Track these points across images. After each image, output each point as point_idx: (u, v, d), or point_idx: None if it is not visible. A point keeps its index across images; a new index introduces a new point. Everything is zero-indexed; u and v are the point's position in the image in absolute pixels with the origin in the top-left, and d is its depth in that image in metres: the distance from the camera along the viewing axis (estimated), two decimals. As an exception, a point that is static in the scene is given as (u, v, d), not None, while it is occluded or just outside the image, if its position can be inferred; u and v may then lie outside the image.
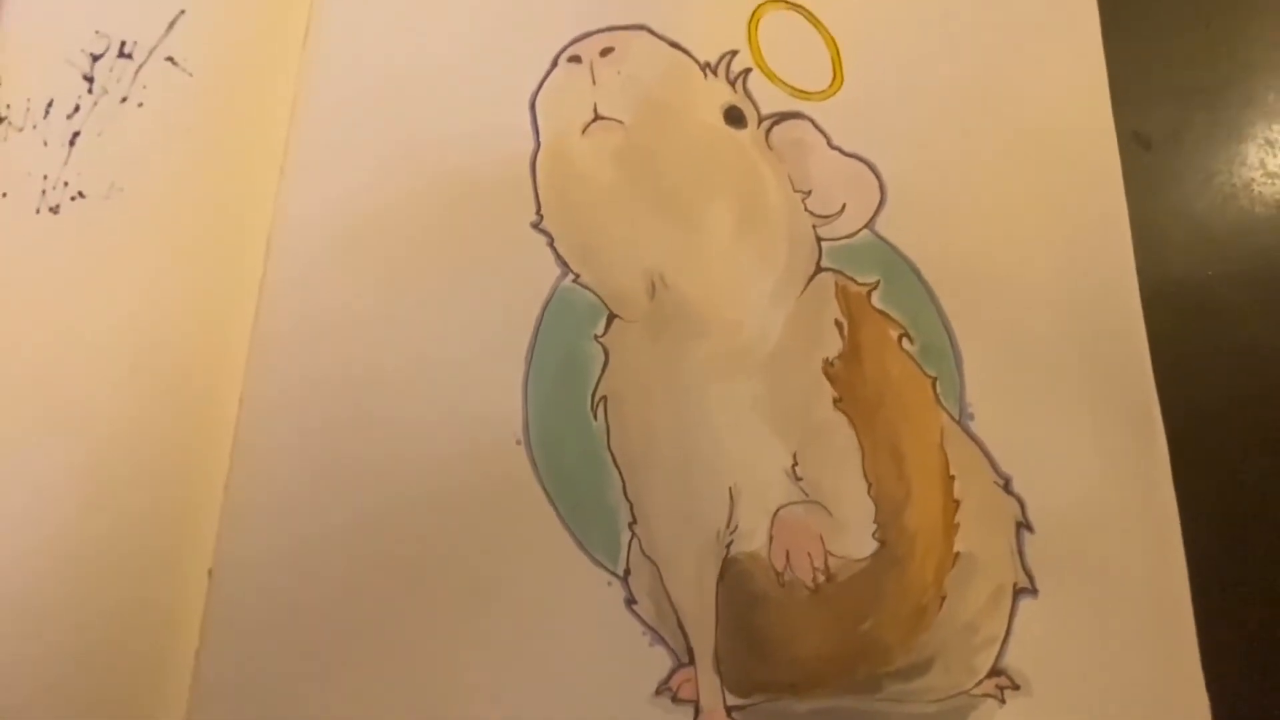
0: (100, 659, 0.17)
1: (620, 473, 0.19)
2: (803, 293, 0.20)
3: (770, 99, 0.22)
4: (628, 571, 0.18)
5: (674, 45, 0.22)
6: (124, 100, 0.20)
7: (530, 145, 0.21)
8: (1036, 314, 0.20)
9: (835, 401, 0.19)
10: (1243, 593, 0.20)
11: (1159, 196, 0.25)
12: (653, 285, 0.20)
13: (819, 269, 0.20)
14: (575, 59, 0.21)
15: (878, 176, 0.21)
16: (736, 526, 0.18)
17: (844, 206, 0.21)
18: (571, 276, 0.20)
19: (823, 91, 0.22)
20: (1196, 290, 0.24)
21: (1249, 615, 0.20)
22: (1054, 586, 0.18)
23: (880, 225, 0.21)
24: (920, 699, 0.17)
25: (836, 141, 0.21)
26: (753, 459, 0.19)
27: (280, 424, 0.19)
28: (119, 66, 0.20)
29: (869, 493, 0.19)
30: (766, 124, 0.21)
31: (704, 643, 0.18)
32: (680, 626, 0.18)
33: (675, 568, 0.18)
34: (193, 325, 0.19)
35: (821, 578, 0.18)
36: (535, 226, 0.20)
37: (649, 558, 0.18)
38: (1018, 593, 0.18)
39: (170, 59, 0.20)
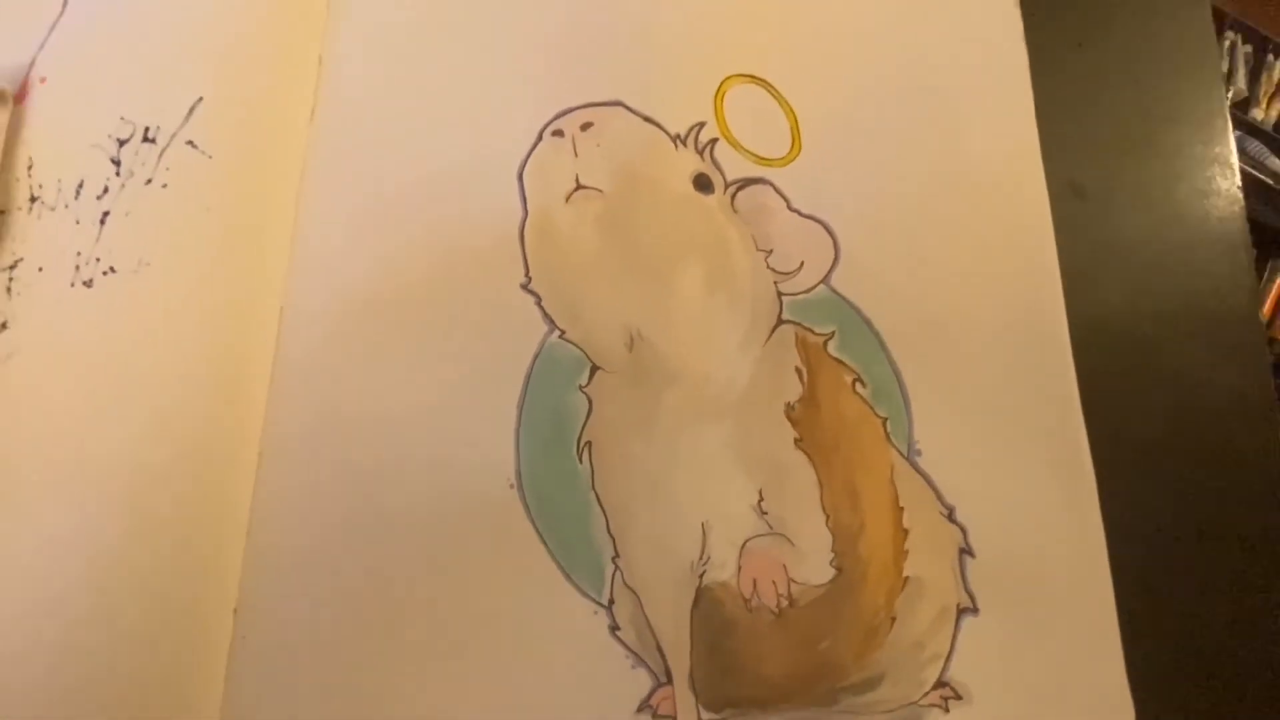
0: (132, 693, 0.19)
1: (604, 511, 0.21)
2: (766, 343, 0.22)
3: (735, 166, 0.24)
4: (612, 601, 0.20)
5: (647, 119, 0.24)
6: (149, 182, 0.22)
7: (519, 213, 0.23)
8: (976, 359, 0.22)
9: (796, 442, 0.21)
10: (1165, 607, 0.23)
11: (1092, 241, 0.27)
12: (631, 339, 0.22)
13: (780, 321, 0.23)
14: (558, 133, 0.24)
15: (832, 236, 0.23)
16: (709, 558, 0.20)
17: (802, 264, 0.23)
18: (558, 332, 0.22)
19: (782, 158, 0.24)
20: (1127, 327, 0.26)
21: (1171, 627, 0.23)
22: (993, 606, 0.21)
23: (835, 281, 0.23)
24: (873, 710, 0.19)
25: (795, 204, 0.24)
26: (723, 496, 0.21)
27: (296, 473, 0.21)
28: (143, 150, 0.22)
29: (827, 524, 0.21)
30: (732, 189, 0.24)
31: (680, 664, 0.20)
32: (659, 650, 0.20)
33: (654, 597, 0.20)
34: (215, 384, 0.21)
35: (785, 603, 0.20)
36: (524, 288, 0.22)
37: (630, 588, 0.20)
38: (961, 612, 0.21)
39: (190, 143, 0.22)
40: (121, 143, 0.22)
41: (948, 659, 0.20)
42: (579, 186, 0.23)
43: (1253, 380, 0.26)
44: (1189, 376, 0.26)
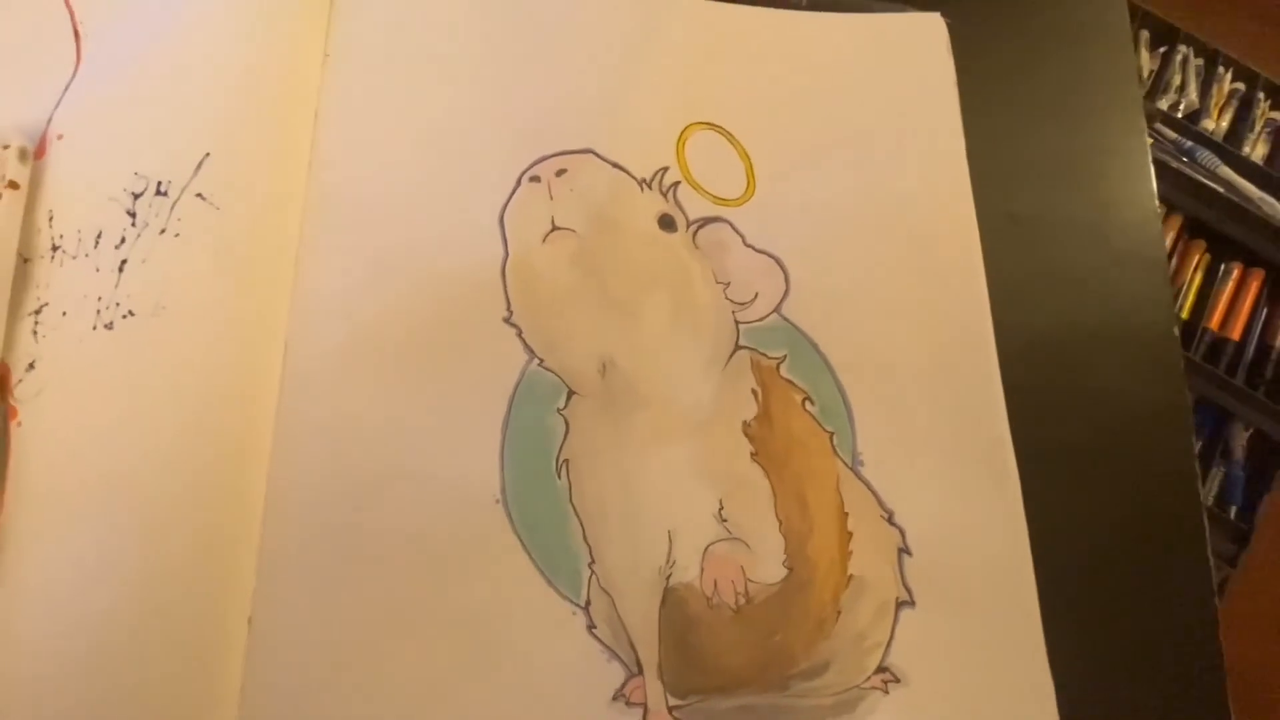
0: (156, 696, 0.21)
1: (580, 522, 0.23)
2: (725, 367, 0.25)
3: (696, 206, 0.27)
4: (588, 602, 0.22)
5: (616, 165, 0.26)
6: (162, 231, 0.24)
7: (501, 253, 0.25)
8: (913, 378, 0.25)
9: (752, 455, 0.24)
10: (1084, 599, 0.25)
11: (1024, 264, 0.30)
12: (604, 366, 0.24)
13: (737, 347, 0.25)
14: (535, 179, 0.26)
15: (784, 270, 0.26)
16: (674, 562, 0.23)
17: (757, 295, 0.25)
18: (538, 361, 0.24)
19: (738, 199, 0.27)
20: (1053, 343, 0.29)
21: (1089, 616, 0.25)
22: (928, 599, 0.23)
23: (786, 309, 0.26)
24: (820, 694, 0.22)
25: (750, 241, 0.26)
26: (687, 506, 0.23)
27: (302, 493, 0.23)
28: (157, 203, 0.24)
29: (779, 529, 0.23)
30: (693, 228, 0.26)
31: (650, 657, 0.22)
32: (631, 644, 0.22)
33: (626, 597, 0.22)
34: (227, 413, 0.23)
35: (742, 600, 0.22)
36: (506, 321, 0.25)
37: (605, 590, 0.22)
38: (899, 605, 0.23)
39: (200, 195, 0.24)
40: (136, 196, 0.24)
41: (887, 647, 0.22)
42: (555, 228, 0.25)
43: (1168, 390, 0.29)
44: (1109, 387, 0.29)
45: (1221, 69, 0.82)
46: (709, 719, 0.21)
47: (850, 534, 0.23)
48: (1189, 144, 0.76)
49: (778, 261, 0.26)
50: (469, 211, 0.25)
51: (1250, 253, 0.76)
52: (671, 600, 0.22)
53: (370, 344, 0.24)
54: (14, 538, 0.21)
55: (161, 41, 0.26)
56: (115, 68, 0.26)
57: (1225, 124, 0.81)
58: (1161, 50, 0.83)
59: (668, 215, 0.26)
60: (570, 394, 0.24)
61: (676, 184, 0.26)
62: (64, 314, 0.23)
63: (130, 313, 0.23)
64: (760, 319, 0.25)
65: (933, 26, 0.29)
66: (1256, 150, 0.80)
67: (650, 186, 0.26)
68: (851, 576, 0.23)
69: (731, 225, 0.26)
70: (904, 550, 0.23)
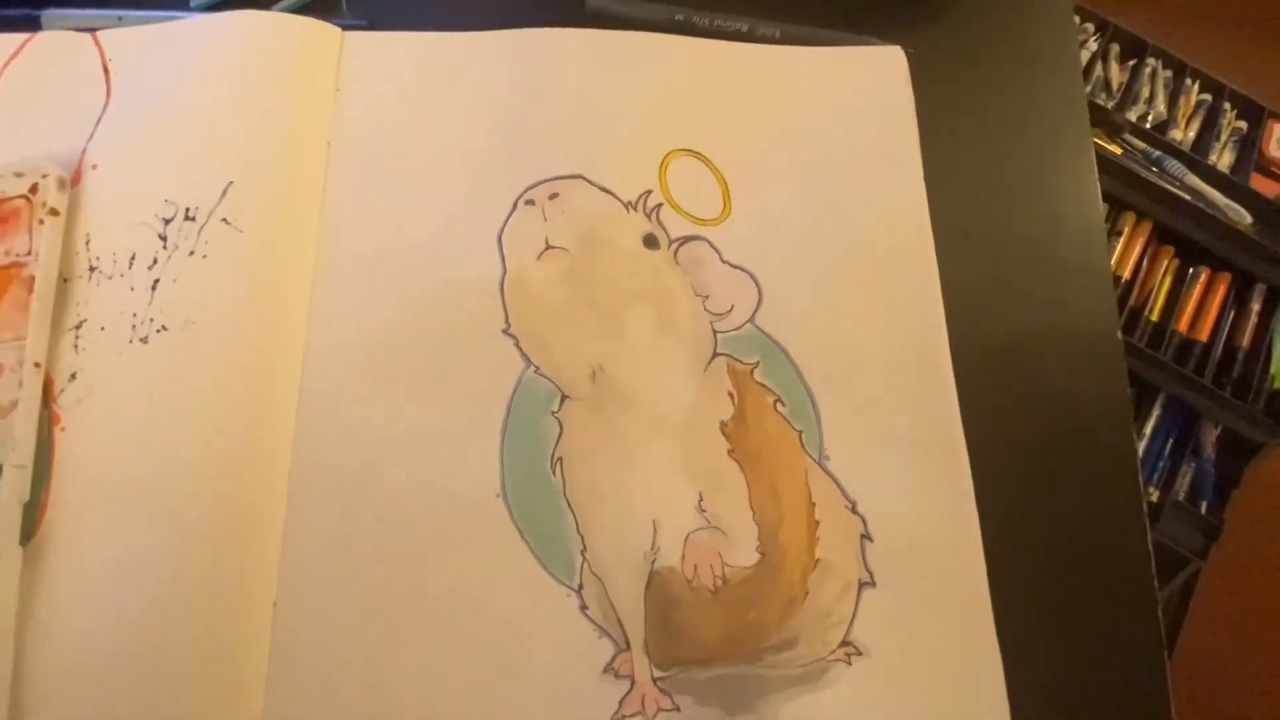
0: (189, 676, 0.23)
1: (574, 514, 0.25)
2: (704, 372, 0.27)
3: (677, 226, 0.29)
4: (581, 585, 0.25)
5: (604, 189, 0.29)
6: (191, 253, 0.26)
7: (499, 270, 0.28)
8: (874, 381, 0.27)
9: (729, 452, 0.26)
10: (1030, 581, 0.27)
11: (978, 276, 0.32)
12: (594, 373, 0.27)
13: (715, 354, 0.27)
14: (530, 202, 0.28)
15: (757, 284, 0.28)
16: (658, 548, 0.25)
17: (732, 307, 0.28)
18: (533, 368, 0.27)
19: (716, 219, 0.29)
20: (1005, 348, 0.31)
21: (1035, 597, 0.27)
22: (888, 580, 0.25)
23: (759, 320, 0.28)
24: (790, 665, 0.24)
25: (726, 257, 0.29)
26: (669, 498, 0.25)
27: (320, 487, 0.25)
28: (185, 227, 0.26)
29: (753, 519, 0.26)
30: (675, 246, 0.29)
31: (636, 633, 0.24)
32: (619, 623, 0.24)
33: (615, 581, 0.25)
34: (252, 415, 0.25)
35: (720, 582, 0.25)
36: (505, 332, 0.27)
37: (596, 575, 0.25)
38: (861, 586, 0.25)
39: (224, 220, 0.26)
40: (167, 221, 0.26)
41: (850, 623, 0.25)
42: (549, 247, 0.28)
43: (1111, 389, 0.31)
44: (1056, 388, 0.31)
45: (1189, 80, 0.85)
46: (689, 688, 0.24)
47: (817, 522, 0.26)
48: (1157, 153, 0.79)
49: (751, 276, 0.28)
50: (470, 232, 0.28)
51: (1217, 257, 0.78)
52: (656, 583, 0.25)
53: (381, 353, 0.26)
54: (58, 530, 0.24)
55: (185, 78, 0.28)
56: (143, 103, 0.28)
57: (1193, 134, 0.84)
58: (1131, 63, 0.86)
59: (651, 234, 0.28)
60: (563, 398, 0.26)
61: (659, 206, 0.29)
62: (102, 329, 0.25)
63: (163, 327, 0.25)
64: (736, 328, 0.28)
65: (893, 59, 0.32)
66: (1223, 159, 0.83)
67: (635, 208, 0.29)
68: (818, 560, 0.25)
69: (709, 243, 0.29)
70: (866, 536, 0.26)
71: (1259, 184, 0.82)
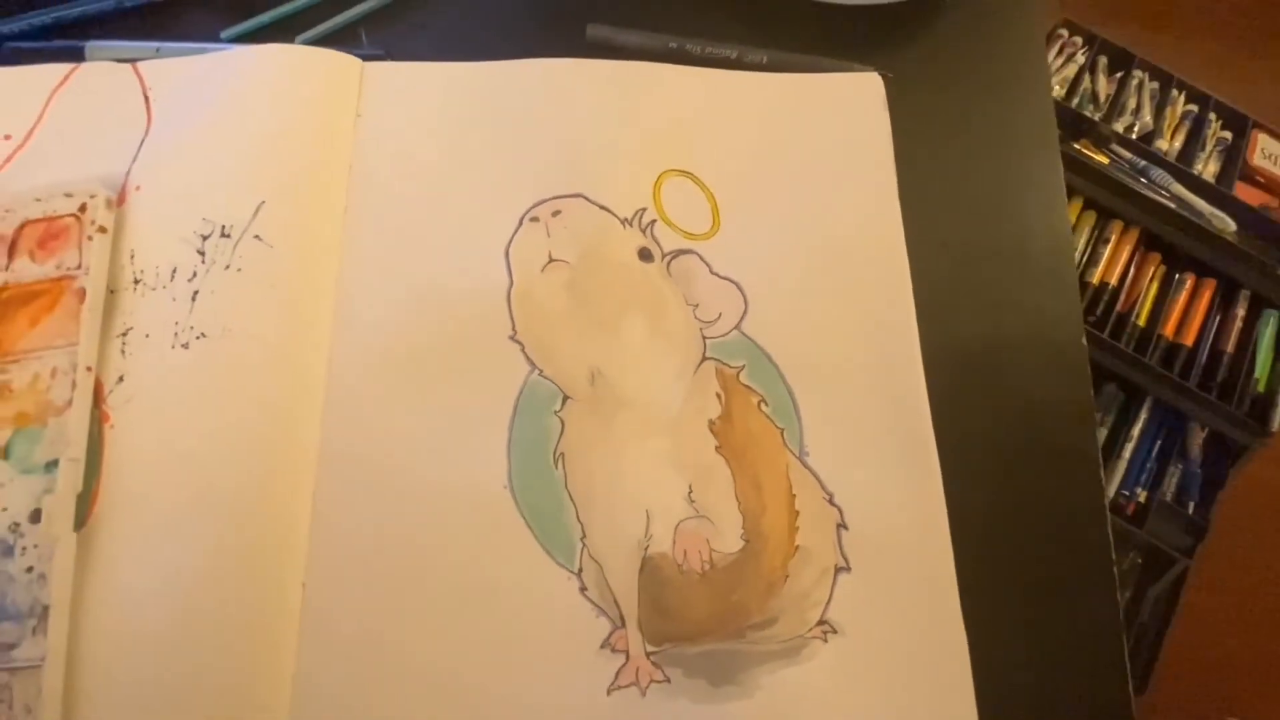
0: (226, 652, 0.25)
1: (574, 504, 0.27)
2: (694, 375, 0.29)
3: (670, 240, 0.31)
4: (581, 569, 0.27)
5: (602, 207, 0.31)
6: (227, 267, 0.28)
7: (506, 282, 0.30)
8: (850, 383, 0.30)
9: (716, 448, 0.29)
10: (995, 567, 0.29)
11: (953, 285, 0.34)
12: (593, 375, 0.29)
13: (704, 358, 0.30)
14: (535, 219, 0.31)
15: (743, 293, 0.31)
16: (651, 536, 0.27)
17: (720, 314, 0.30)
18: (538, 371, 0.29)
19: (705, 234, 0.31)
20: (976, 351, 0.33)
21: (999, 583, 0.29)
22: (862, 565, 0.28)
23: (745, 327, 0.30)
24: (771, 642, 0.26)
25: (715, 269, 0.31)
26: (661, 490, 0.28)
27: (344, 479, 0.27)
28: (221, 243, 0.29)
29: (738, 509, 0.28)
30: (667, 259, 0.31)
31: (631, 612, 0.26)
32: (615, 603, 0.26)
33: (612, 565, 0.27)
34: (283, 415, 0.27)
35: (707, 566, 0.27)
36: (512, 338, 0.29)
37: (594, 559, 0.27)
38: (837, 570, 0.27)
39: (257, 236, 0.29)
40: (205, 237, 0.29)
41: (827, 604, 0.27)
42: (551, 260, 0.30)
43: (1075, 391, 0.33)
44: (1025, 390, 0.33)
45: (1176, 92, 0.88)
46: (679, 662, 0.26)
47: (797, 512, 0.28)
48: (1143, 163, 0.81)
49: (738, 287, 0.30)
50: (479, 247, 0.30)
51: (1202, 264, 0.81)
52: (649, 567, 0.27)
53: (399, 358, 0.29)
54: (108, 517, 0.26)
55: (220, 107, 0.31)
56: (181, 129, 0.31)
57: (1178, 144, 0.86)
58: (1118, 75, 0.88)
59: (646, 249, 0.31)
60: (565, 398, 0.29)
61: (653, 222, 0.31)
62: (146, 336, 0.28)
63: (202, 334, 0.28)
64: (723, 335, 0.30)
65: (871, 84, 0.34)
66: (1208, 168, 0.86)
67: (631, 224, 0.31)
68: (798, 547, 0.28)
69: (699, 256, 0.31)
70: (842, 525, 0.28)
71: (1244, 192, 0.85)
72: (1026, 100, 0.38)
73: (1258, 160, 0.86)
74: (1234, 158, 0.86)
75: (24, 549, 0.25)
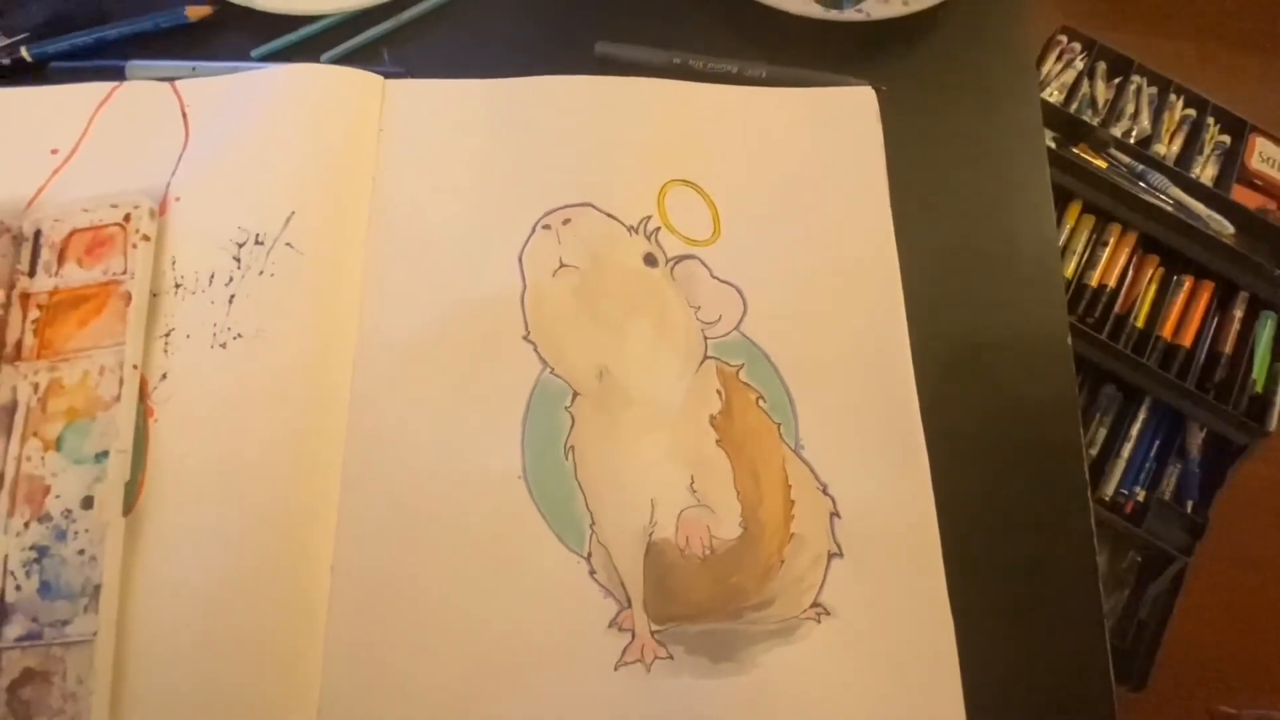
0: (260, 630, 0.27)
1: (584, 493, 0.29)
2: (696, 373, 0.31)
3: (673, 246, 0.33)
4: (590, 554, 0.29)
5: (610, 215, 0.33)
6: (261, 273, 0.31)
7: (520, 285, 0.32)
8: (843, 381, 0.31)
9: (717, 442, 0.30)
10: (980, 555, 0.31)
11: (942, 288, 0.36)
12: (600, 373, 0.31)
13: (706, 357, 0.32)
14: (546, 226, 0.33)
15: (742, 296, 0.32)
16: (656, 523, 0.29)
17: (721, 316, 0.32)
18: (549, 369, 0.31)
19: (707, 240, 0.33)
20: (964, 351, 0.35)
21: (984, 570, 0.31)
22: (853, 552, 0.29)
23: (745, 328, 0.32)
24: (767, 622, 0.28)
25: (716, 273, 0.33)
26: (665, 480, 0.30)
27: (369, 468, 0.29)
28: (256, 250, 0.31)
29: (737, 498, 0.30)
30: (671, 264, 0.33)
31: (636, 594, 0.28)
32: (622, 585, 0.28)
33: (619, 550, 0.29)
34: (312, 408, 0.29)
35: (708, 552, 0.29)
36: (525, 338, 0.31)
37: (603, 545, 0.29)
38: (830, 556, 0.29)
39: (288, 244, 0.31)
40: (240, 245, 0.31)
41: (820, 588, 0.29)
42: (562, 265, 0.32)
43: (1060, 389, 0.35)
44: (1011, 388, 0.35)
45: (1174, 97, 0.89)
46: (681, 640, 0.28)
47: (793, 502, 0.30)
48: (1141, 167, 0.83)
49: (738, 290, 0.32)
50: (494, 253, 0.32)
51: (1200, 266, 0.81)
52: (653, 552, 0.29)
53: (420, 356, 0.31)
54: (153, 503, 0.28)
55: (253, 123, 0.33)
56: (217, 144, 0.33)
57: (1176, 148, 0.87)
58: (1117, 81, 0.89)
59: (651, 254, 0.33)
60: (575, 395, 0.31)
61: (658, 229, 0.33)
62: (187, 336, 0.30)
63: (239, 335, 0.30)
64: (724, 335, 0.32)
65: (864, 97, 0.36)
66: (1206, 172, 0.87)
67: (637, 231, 0.33)
68: (793, 534, 0.29)
69: (701, 261, 0.33)
70: (835, 514, 0.30)
71: (1241, 196, 0.86)
72: (1016, 113, 0.40)
73: (1255, 164, 0.87)
74: (1232, 161, 0.87)
75: (76, 533, 0.27)
